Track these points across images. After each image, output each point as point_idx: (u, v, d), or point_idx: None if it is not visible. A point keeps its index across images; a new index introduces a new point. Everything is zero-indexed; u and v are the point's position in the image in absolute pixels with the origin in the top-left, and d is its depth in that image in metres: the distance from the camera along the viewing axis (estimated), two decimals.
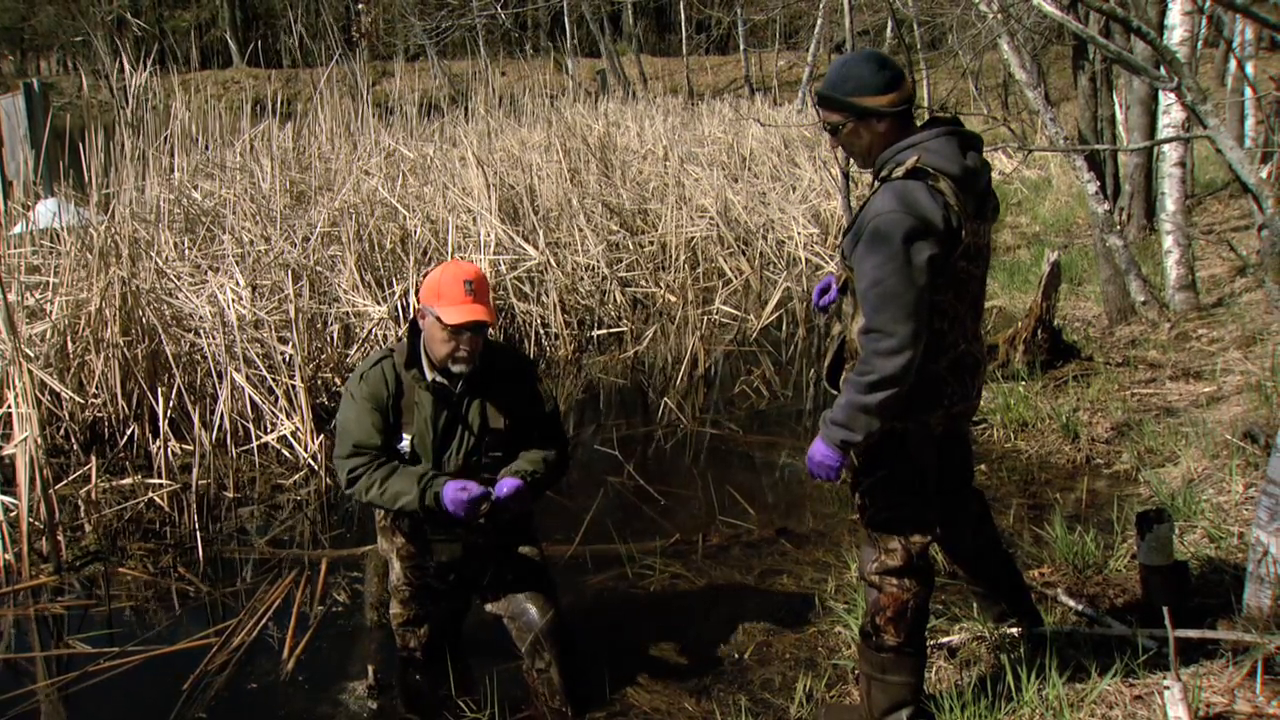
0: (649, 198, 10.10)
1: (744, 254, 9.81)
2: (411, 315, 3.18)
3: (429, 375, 3.09)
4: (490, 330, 3.11)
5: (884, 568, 2.57)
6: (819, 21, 21.70)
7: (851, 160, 2.63)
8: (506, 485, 3.00)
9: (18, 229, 6.59)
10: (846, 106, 2.46)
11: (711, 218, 9.78)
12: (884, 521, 2.56)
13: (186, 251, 6.51)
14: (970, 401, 2.61)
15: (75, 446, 5.25)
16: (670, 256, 9.30)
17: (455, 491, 2.95)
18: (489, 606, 3.23)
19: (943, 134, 2.43)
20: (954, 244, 2.36)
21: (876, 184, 2.45)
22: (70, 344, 5.38)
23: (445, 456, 3.11)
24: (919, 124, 2.52)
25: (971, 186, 2.41)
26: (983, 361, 2.64)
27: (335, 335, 6.30)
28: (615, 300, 8.29)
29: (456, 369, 3.03)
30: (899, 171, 2.37)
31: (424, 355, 3.11)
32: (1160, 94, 7.30)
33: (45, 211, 6.66)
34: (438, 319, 2.97)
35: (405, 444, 3.10)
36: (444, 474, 3.06)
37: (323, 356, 6.10)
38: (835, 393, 2.58)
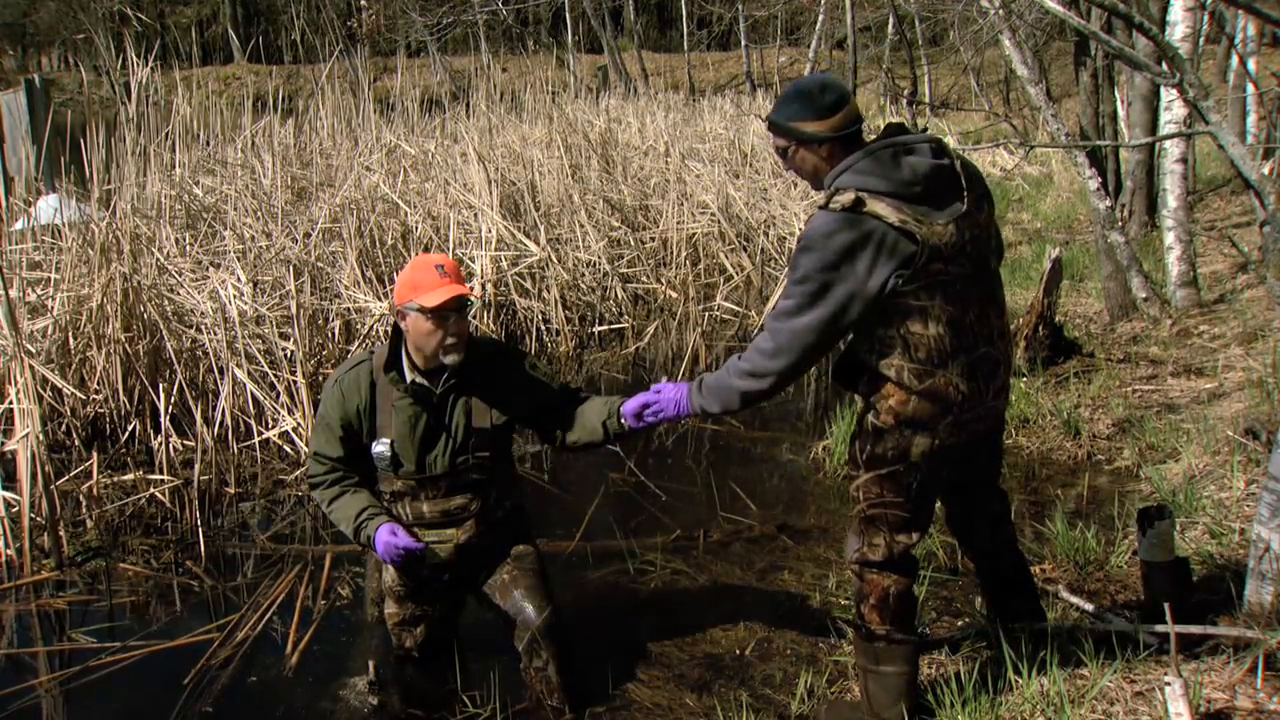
0: (650, 194, 10.10)
1: (745, 250, 9.81)
2: (392, 321, 3.16)
3: (409, 377, 3.08)
4: (472, 310, 3.11)
5: (864, 559, 2.61)
6: (820, 17, 21.67)
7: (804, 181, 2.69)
8: (638, 408, 2.92)
9: (19, 225, 6.60)
10: (789, 131, 2.53)
11: (713, 214, 9.77)
12: (873, 517, 2.58)
13: (188, 247, 6.51)
14: (985, 405, 2.57)
15: (77, 442, 5.26)
16: (671, 253, 9.31)
17: (386, 537, 2.97)
18: (486, 605, 3.23)
19: (875, 150, 2.44)
20: (907, 261, 2.37)
21: (815, 210, 2.49)
22: (72, 340, 5.39)
23: (429, 459, 3.09)
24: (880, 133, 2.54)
25: (918, 192, 2.41)
26: (1004, 362, 2.61)
27: (336, 331, 6.30)
28: (616, 296, 8.29)
29: (449, 359, 3.00)
30: (835, 203, 2.40)
31: (405, 358, 3.09)
32: (1162, 90, 7.29)
33: (47, 207, 6.66)
34: (420, 309, 2.94)
35: (384, 448, 3.08)
36: (423, 483, 3.10)
37: (324, 352, 6.10)
38: (848, 390, 2.62)
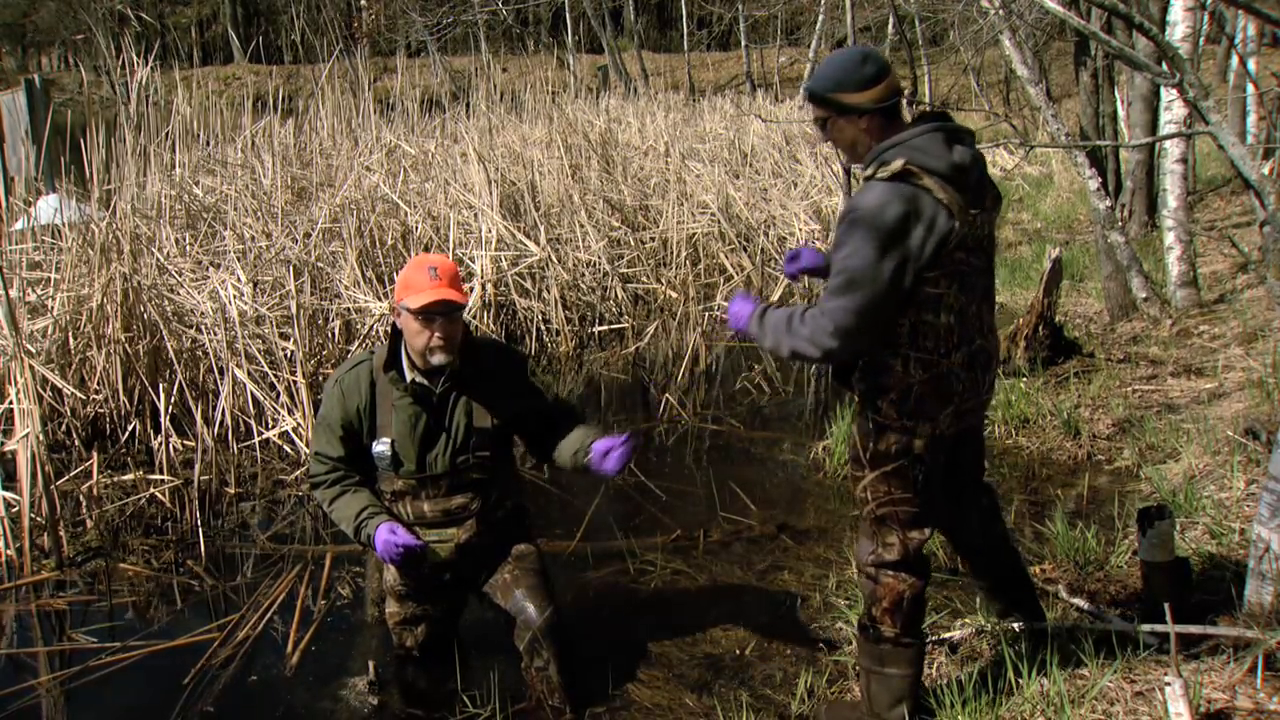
0: (650, 194, 10.09)
1: (745, 250, 9.81)
2: (391, 320, 3.18)
3: (409, 376, 3.08)
4: (465, 311, 3.12)
5: (880, 560, 2.58)
6: (820, 17, 21.68)
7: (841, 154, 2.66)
8: (605, 450, 3.01)
9: (19, 225, 6.59)
10: (829, 102, 2.49)
11: (713, 214, 9.77)
12: (883, 516, 2.57)
13: (188, 247, 6.51)
14: (981, 397, 2.61)
15: (77, 442, 5.26)
16: (671, 252, 9.30)
17: (386, 535, 2.97)
18: (487, 605, 3.23)
19: (928, 130, 2.43)
20: (945, 239, 2.36)
21: (862, 182, 2.46)
22: (72, 340, 5.39)
23: (429, 458, 3.09)
24: (913, 119, 2.52)
25: (961, 181, 2.41)
26: (995, 356, 2.64)
27: (336, 331, 6.30)
28: (617, 296, 8.30)
29: (436, 360, 3.01)
30: (884, 172, 2.38)
31: (405, 357, 3.10)
32: (1162, 90, 7.30)
33: (47, 207, 6.66)
34: (408, 309, 2.97)
35: (385, 447, 3.09)
36: (424, 482, 3.10)
37: (324, 352, 6.10)
38: (845, 389, 2.61)
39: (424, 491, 3.12)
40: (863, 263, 2.33)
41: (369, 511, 3.06)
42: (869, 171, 2.43)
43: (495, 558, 3.21)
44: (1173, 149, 6.96)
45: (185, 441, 5.20)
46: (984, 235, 2.51)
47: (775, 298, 8.17)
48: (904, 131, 2.44)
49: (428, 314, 2.96)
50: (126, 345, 5.34)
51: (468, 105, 11.91)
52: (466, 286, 7.16)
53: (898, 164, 2.36)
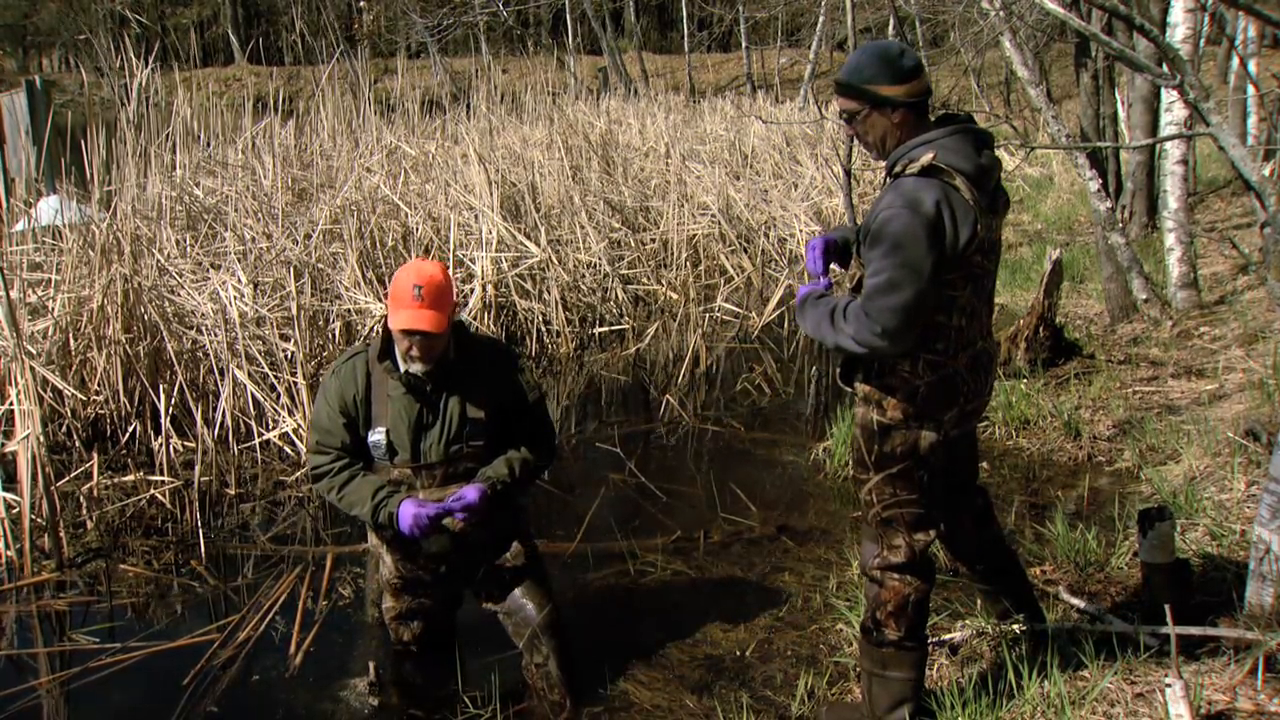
0: (651, 195, 10.10)
1: (745, 251, 9.81)
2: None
3: (403, 367, 3.10)
4: (455, 325, 3.13)
5: (886, 563, 2.57)
6: (820, 19, 21.68)
7: (864, 150, 2.63)
8: (470, 493, 3.01)
9: (20, 226, 6.59)
10: (862, 94, 2.45)
11: (713, 215, 9.78)
12: (889, 518, 2.57)
13: (188, 249, 6.51)
14: (983, 398, 2.62)
15: (77, 443, 5.26)
16: (672, 254, 9.30)
17: (413, 509, 2.98)
18: (486, 603, 3.23)
19: (957, 131, 2.43)
20: (970, 241, 2.36)
21: (888, 180, 2.45)
22: (72, 341, 5.39)
23: (424, 447, 3.10)
24: (935, 120, 2.52)
25: (985, 183, 2.41)
26: (996, 357, 2.65)
27: (337, 332, 6.31)
28: (617, 297, 8.29)
29: (413, 369, 3.05)
30: (913, 168, 2.36)
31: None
32: (1162, 91, 7.30)
33: (47, 208, 6.66)
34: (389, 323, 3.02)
35: (380, 436, 3.09)
36: (419, 471, 3.09)
37: (324, 354, 6.10)
38: (849, 390, 2.61)
39: (419, 480, 3.12)
40: (904, 259, 2.31)
41: (388, 490, 3.06)
42: (897, 169, 2.42)
43: (491, 551, 3.21)
44: (1173, 150, 6.96)
45: (186, 442, 5.19)
46: (995, 239, 2.51)
47: (774, 301, 8.17)
48: (931, 131, 2.44)
49: (406, 332, 2.99)
50: (127, 346, 5.34)
51: (468, 106, 11.91)
52: (467, 288, 7.16)
53: (927, 158, 2.35)
